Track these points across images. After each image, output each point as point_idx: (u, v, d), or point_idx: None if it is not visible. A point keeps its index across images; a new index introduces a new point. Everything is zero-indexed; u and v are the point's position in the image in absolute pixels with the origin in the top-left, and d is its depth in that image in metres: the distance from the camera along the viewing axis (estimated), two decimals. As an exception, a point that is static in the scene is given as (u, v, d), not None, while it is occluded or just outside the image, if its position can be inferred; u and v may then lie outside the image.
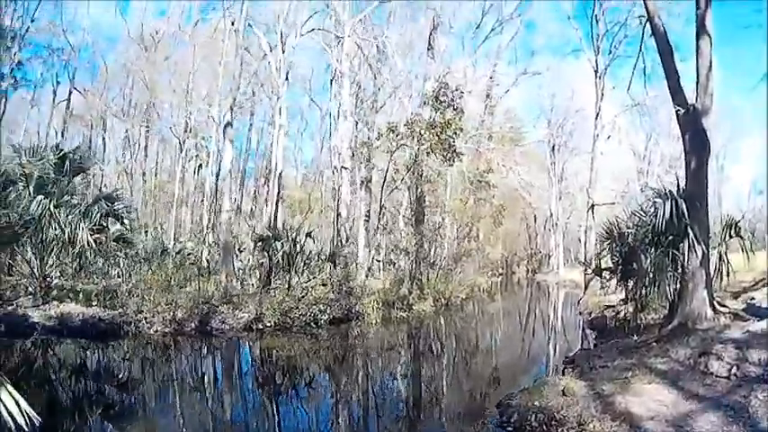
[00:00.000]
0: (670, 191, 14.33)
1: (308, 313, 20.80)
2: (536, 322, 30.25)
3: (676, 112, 14.41)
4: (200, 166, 45.73)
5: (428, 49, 36.42)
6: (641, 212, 15.90)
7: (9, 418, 6.10)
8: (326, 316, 21.20)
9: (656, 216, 13.98)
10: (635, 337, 13.99)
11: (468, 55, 44.49)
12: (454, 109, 27.76)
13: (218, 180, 37.69)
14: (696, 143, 14.06)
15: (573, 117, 57.54)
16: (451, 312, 28.84)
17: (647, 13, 15.79)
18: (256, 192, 52.83)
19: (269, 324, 20.08)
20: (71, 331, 17.39)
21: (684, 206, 13.45)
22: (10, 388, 6.28)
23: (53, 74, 46.11)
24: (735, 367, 10.07)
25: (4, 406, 6.14)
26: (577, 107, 55.00)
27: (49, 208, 18.30)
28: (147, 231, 30.69)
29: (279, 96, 32.31)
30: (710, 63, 14.23)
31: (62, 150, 21.04)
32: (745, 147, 62.55)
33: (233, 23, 30.86)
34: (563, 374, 12.15)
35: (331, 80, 36.82)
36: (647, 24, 16.43)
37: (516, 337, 24.53)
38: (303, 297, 21.79)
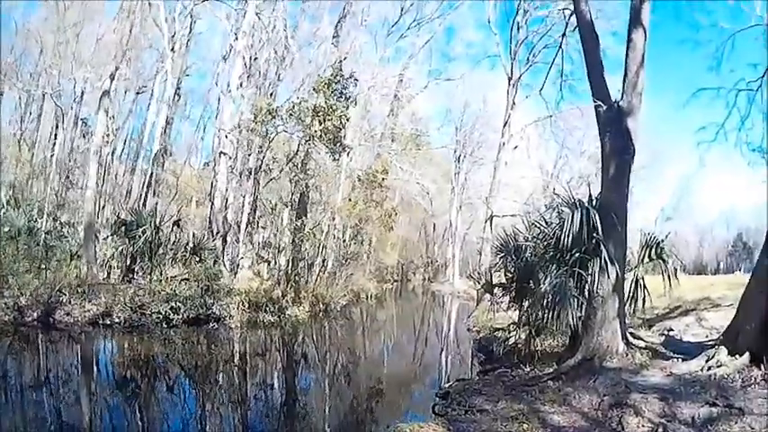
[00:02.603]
0: (580, 200, 12.21)
1: (161, 310, 18.85)
2: (421, 337, 27.68)
3: (596, 107, 12.33)
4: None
5: (333, 37, 34.59)
6: (543, 224, 13.68)
7: None
8: (180, 315, 19.18)
9: (562, 228, 11.78)
10: (527, 369, 11.73)
11: (379, 52, 42.88)
12: (346, 98, 25.95)
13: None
14: (618, 144, 11.99)
15: (481, 126, 56.68)
16: (330, 319, 26.24)
17: (574, -1, 13.79)
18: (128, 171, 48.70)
19: (117, 320, 18.42)
20: None
21: (597, 218, 11.30)
22: None
23: None
24: (660, 428, 7.76)
25: None
26: (488, 117, 54.11)
27: None
28: (19, 206, 27.99)
29: (163, 70, 29.82)
30: (643, 58, 12.35)
31: None
32: (658, 171, 62.97)
33: None
34: (430, 418, 9.66)
35: (224, 57, 34.68)
36: (572, 16, 14.53)
37: (395, 354, 21.88)
38: (157, 292, 19.77)
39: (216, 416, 11.21)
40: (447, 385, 12.33)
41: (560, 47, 24.23)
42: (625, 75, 12.36)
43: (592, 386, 9.49)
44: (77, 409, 11.19)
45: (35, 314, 17.45)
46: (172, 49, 29.57)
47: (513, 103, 39.97)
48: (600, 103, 12.25)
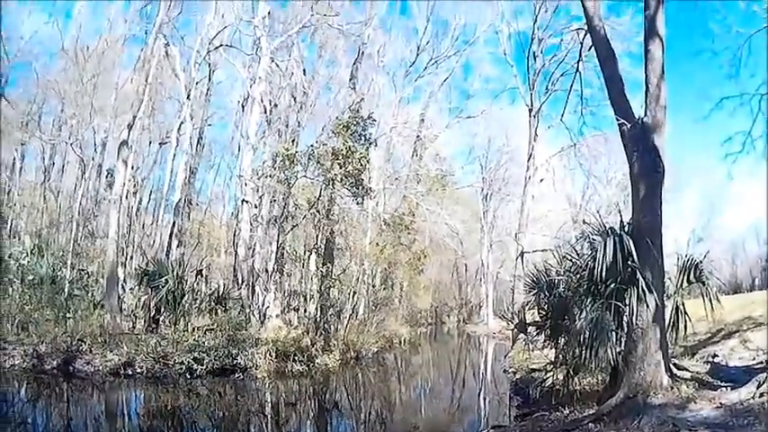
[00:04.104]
0: (611, 227, 11.50)
1: (185, 361, 18.44)
2: (457, 380, 26.90)
3: (620, 126, 11.70)
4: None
5: (350, 80, 34.42)
6: (575, 256, 12.98)
7: None
8: (204, 366, 18.72)
9: (595, 258, 11.06)
10: (566, 411, 10.94)
11: (398, 93, 42.85)
12: (366, 139, 25.76)
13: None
14: (646, 164, 11.33)
15: (506, 162, 56.37)
16: (362, 367, 25.52)
17: (586, 14, 13.39)
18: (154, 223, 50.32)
19: (140, 370, 18.03)
20: None
21: (632, 245, 10.58)
22: None
23: None
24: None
25: None
26: (512, 151, 53.85)
27: None
28: (43, 255, 28.34)
29: (182, 118, 29.89)
30: (662, 69, 11.75)
31: None
32: (682, 191, 61.73)
33: (166, 45, 29.69)
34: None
35: (242, 104, 34.96)
36: (586, 36, 14.00)
37: (430, 399, 21.22)
38: (181, 342, 19.35)
39: None
40: None
41: (577, 70, 23.72)
42: (646, 89, 11.83)
43: (636, 427, 8.76)
44: None
45: (55, 362, 17.26)
46: (188, 97, 29.58)
47: (536, 135, 39.55)
48: (623, 121, 11.64)
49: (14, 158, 48.24)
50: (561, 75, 38.78)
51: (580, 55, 23.06)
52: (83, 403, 15.84)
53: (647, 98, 11.68)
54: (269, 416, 15.94)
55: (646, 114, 11.62)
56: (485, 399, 20.79)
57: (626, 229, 11.41)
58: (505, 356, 24.73)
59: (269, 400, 18.29)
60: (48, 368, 17.07)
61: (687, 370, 11.34)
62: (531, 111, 40.14)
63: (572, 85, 24.35)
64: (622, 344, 10.82)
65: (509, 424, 12.82)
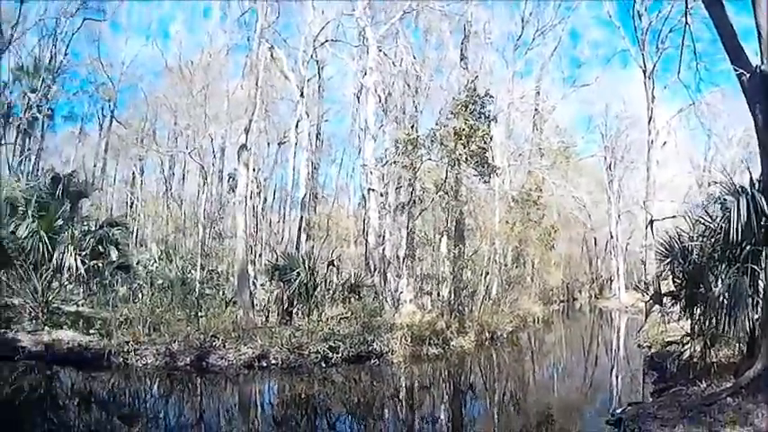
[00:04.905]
0: (741, 186, 11.00)
1: (320, 350, 18.58)
2: (590, 358, 26.47)
3: (739, 77, 11.13)
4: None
5: (461, 60, 34.03)
6: (707, 219, 12.49)
7: None
8: (339, 354, 18.84)
9: (729, 220, 10.63)
10: (703, 385, 10.59)
11: (510, 68, 42.31)
12: (486, 117, 25.45)
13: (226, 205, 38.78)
14: (770, 114, 10.71)
15: (626, 128, 54.76)
16: (497, 347, 25.44)
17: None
18: (281, 219, 52.17)
19: (274, 361, 18.13)
20: (54, 358, 17.13)
21: (764, 202, 10.10)
22: None
23: (98, 108, 50.79)
24: None
25: None
26: (631, 117, 52.16)
27: (38, 232, 18.78)
28: (171, 260, 30.07)
29: (298, 116, 30.56)
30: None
31: (54, 175, 21.99)
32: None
33: (270, 49, 30.12)
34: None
35: (357, 96, 35.46)
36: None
37: (563, 377, 20.99)
38: (315, 332, 19.57)
39: None
40: (619, 410, 11.34)
41: (686, 24, 22.49)
42: (758, 34, 11.14)
43: (777, 401, 8.31)
44: None
45: (188, 359, 17.55)
46: (301, 95, 30.28)
47: (653, 97, 38.43)
48: (741, 71, 11.05)
49: (134, 173, 51.80)
50: (670, 31, 37.95)
51: (686, 6, 21.99)
52: (216, 396, 16.27)
53: (761, 44, 11.05)
54: (403, 400, 16.08)
55: (762, 62, 11.00)
56: (619, 375, 20.35)
57: (756, 186, 10.88)
58: (639, 330, 24.29)
59: (404, 384, 18.44)
60: (180, 365, 17.42)
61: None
62: (644, 72, 39.19)
63: (683, 41, 23.04)
64: (759, 310, 10.35)
65: (646, 400, 12.43)
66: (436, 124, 26.62)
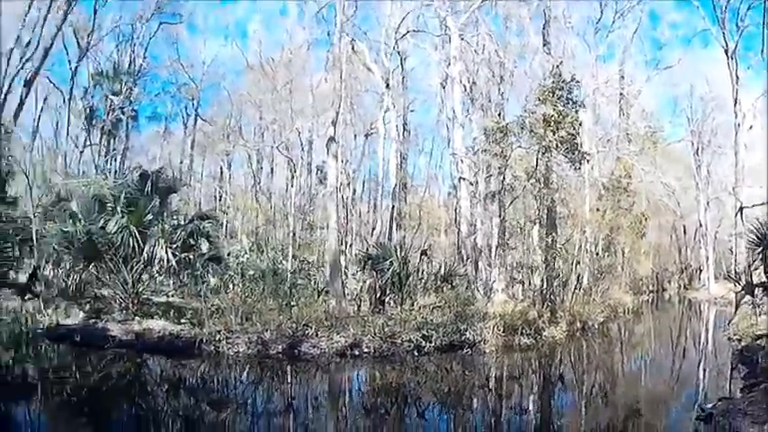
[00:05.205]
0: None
1: (413, 339, 18.45)
2: (678, 351, 25.47)
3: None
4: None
5: (543, 45, 33.43)
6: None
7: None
8: (432, 342, 18.68)
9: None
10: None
11: (592, 52, 42.19)
12: (573, 102, 24.95)
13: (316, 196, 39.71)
14: None
15: (712, 111, 53.33)
16: (587, 338, 24.92)
17: None
18: (371, 209, 52.89)
19: (367, 350, 18.11)
20: (145, 346, 17.49)
21: None
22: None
23: (182, 107, 52.61)
24: None
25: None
26: (716, 99, 50.85)
27: (127, 227, 19.29)
28: (262, 251, 31.02)
29: (385, 107, 30.58)
30: None
31: (142, 172, 22.62)
32: None
33: (352, 43, 30.72)
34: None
35: (442, 85, 35.14)
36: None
37: (651, 370, 20.18)
38: (408, 321, 19.46)
39: None
40: (710, 405, 10.77)
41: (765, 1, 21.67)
42: None
43: None
44: None
45: (280, 347, 17.57)
46: (387, 86, 30.36)
47: (737, 78, 37.30)
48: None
49: (221, 168, 53.75)
50: (748, 9, 37.24)
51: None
52: (306, 384, 16.37)
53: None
54: (493, 390, 15.86)
55: None
56: (707, 369, 19.53)
57: None
58: (728, 323, 23.24)
59: (494, 374, 18.22)
60: (272, 353, 17.46)
61: None
62: (727, 52, 38.53)
63: (764, 20, 22.16)
64: None
65: (735, 396, 11.84)
66: (524, 111, 26.35)
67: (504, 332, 20.61)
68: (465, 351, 19.32)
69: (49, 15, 34.05)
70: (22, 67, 33.36)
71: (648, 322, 37.13)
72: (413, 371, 17.38)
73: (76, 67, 41.84)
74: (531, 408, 13.70)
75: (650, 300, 52.42)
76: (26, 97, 33.62)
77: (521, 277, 28.98)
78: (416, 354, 18.29)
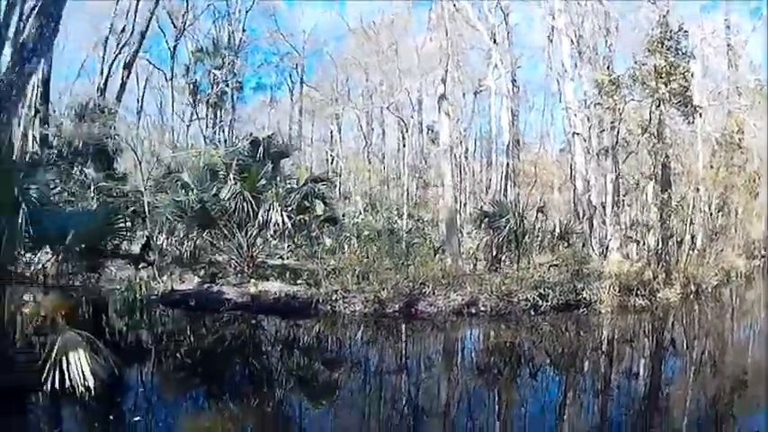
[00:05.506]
0: None
1: (529, 297, 18.52)
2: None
3: None
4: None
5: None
6: None
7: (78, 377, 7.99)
8: (548, 302, 18.69)
9: None
10: None
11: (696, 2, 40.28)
12: (683, 53, 24.45)
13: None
14: None
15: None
16: (700, 302, 24.02)
17: None
18: (484, 168, 52.85)
19: (483, 308, 18.23)
20: (261, 308, 17.74)
21: None
22: (82, 352, 8.20)
23: (286, 76, 54.11)
24: None
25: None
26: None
27: (241, 193, 19.58)
28: (377, 211, 32.06)
29: (493, 64, 30.32)
30: None
31: (253, 139, 23.06)
32: None
33: (454, 1, 30.35)
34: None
35: (549, 39, 34.79)
36: None
37: (760, 340, 18.79)
38: (524, 279, 19.52)
39: (576, 404, 10.67)
40: None
41: None
42: None
43: None
44: (435, 392, 11.52)
45: (396, 306, 17.64)
46: (494, 42, 29.81)
47: None
48: None
49: (331, 131, 54.27)
50: None
51: None
52: (421, 342, 16.52)
53: None
54: (605, 353, 15.54)
55: None
56: None
57: None
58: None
59: (607, 336, 17.93)
60: (389, 312, 17.56)
61: None
62: None
63: None
64: None
65: None
66: (634, 63, 25.63)
67: (619, 292, 20.30)
68: (581, 311, 19.17)
69: (140, 3, 35.06)
70: (119, 52, 34.37)
71: (758, 289, 35.09)
72: (528, 330, 17.36)
73: (175, 47, 43.21)
74: (641, 373, 13.40)
75: (761, 265, 50.27)
76: (127, 78, 34.49)
77: (635, 236, 28.22)
78: (533, 313, 18.26)
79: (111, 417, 8.66)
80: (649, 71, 23.55)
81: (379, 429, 9.28)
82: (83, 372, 8.07)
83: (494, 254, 22.84)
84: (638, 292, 20.80)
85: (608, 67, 28.67)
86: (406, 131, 43.60)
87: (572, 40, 29.45)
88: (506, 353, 14.85)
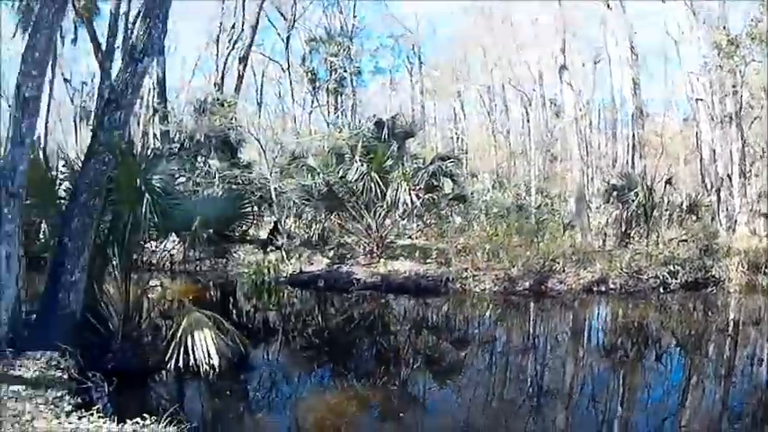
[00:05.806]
0: None
1: (659, 275, 18.22)
2: None
3: None
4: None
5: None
6: None
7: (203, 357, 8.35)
8: (677, 279, 18.27)
9: None
10: None
11: None
12: None
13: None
14: None
15: None
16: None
17: None
18: (609, 140, 51.80)
19: (613, 286, 18.01)
20: (390, 287, 17.98)
21: None
22: (207, 331, 8.59)
23: (404, 58, 53.62)
24: None
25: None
26: None
27: (368, 173, 19.70)
28: (505, 188, 31.92)
29: (611, 32, 29.98)
30: None
31: (378, 120, 23.05)
32: None
33: None
34: None
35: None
36: None
37: None
38: (654, 255, 19.20)
39: (698, 389, 10.45)
40: None
41: None
42: None
43: None
44: (559, 372, 11.57)
45: (526, 284, 17.62)
46: (608, 7, 29.47)
47: None
48: None
49: (454, 109, 54.49)
50: None
51: None
52: (550, 321, 16.49)
53: None
54: (730, 335, 14.74)
55: None
56: None
57: None
58: None
59: (733, 317, 17.06)
60: (519, 289, 17.53)
61: None
62: None
63: None
64: None
65: None
66: (752, 20, 24.08)
67: (748, 270, 19.37)
68: (710, 289, 18.58)
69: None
70: (232, 48, 35.40)
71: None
72: (656, 309, 16.98)
73: (288, 38, 43.72)
74: (765, 359, 12.58)
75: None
76: (243, 72, 35.41)
77: (763, 209, 26.21)
78: (662, 290, 17.96)
79: (237, 393, 9.29)
80: (763, 30, 22.40)
81: (502, 410, 9.42)
82: (208, 351, 8.44)
83: (623, 229, 22.52)
84: (767, 271, 19.54)
85: (724, 27, 27.43)
86: (530, 105, 43.40)
87: (685, 2, 28.14)
88: (633, 333, 14.62)
